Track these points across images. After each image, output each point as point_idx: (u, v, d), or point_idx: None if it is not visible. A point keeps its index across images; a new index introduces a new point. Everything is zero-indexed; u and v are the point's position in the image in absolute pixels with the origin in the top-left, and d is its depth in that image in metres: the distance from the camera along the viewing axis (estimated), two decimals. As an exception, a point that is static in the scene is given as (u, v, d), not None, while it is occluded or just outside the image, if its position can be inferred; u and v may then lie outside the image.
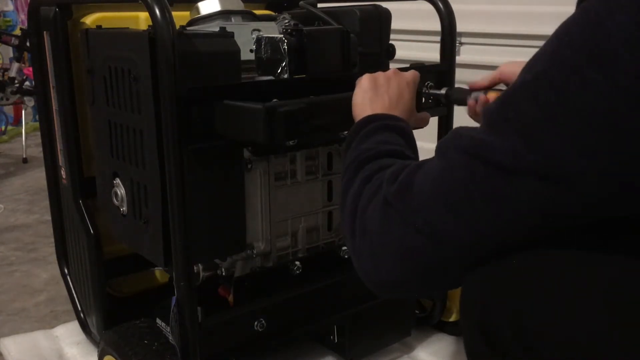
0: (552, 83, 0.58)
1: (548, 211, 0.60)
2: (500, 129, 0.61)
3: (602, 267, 0.60)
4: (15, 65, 3.47)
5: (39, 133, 1.57)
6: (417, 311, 1.55)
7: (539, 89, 0.59)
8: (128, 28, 1.30)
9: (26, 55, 3.41)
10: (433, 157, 0.71)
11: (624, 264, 0.59)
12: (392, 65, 1.31)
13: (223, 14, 1.27)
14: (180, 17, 1.19)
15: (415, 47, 2.35)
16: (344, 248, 1.39)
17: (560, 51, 0.58)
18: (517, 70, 1.09)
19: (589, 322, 0.58)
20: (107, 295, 1.39)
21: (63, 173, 1.41)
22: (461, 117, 1.21)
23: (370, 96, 1.00)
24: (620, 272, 0.59)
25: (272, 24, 1.28)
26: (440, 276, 0.71)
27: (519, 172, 0.59)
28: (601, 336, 0.58)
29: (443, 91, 1.19)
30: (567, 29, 0.59)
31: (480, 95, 1.11)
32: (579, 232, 0.61)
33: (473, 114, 1.14)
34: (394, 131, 0.91)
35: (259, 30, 1.22)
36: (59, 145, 1.40)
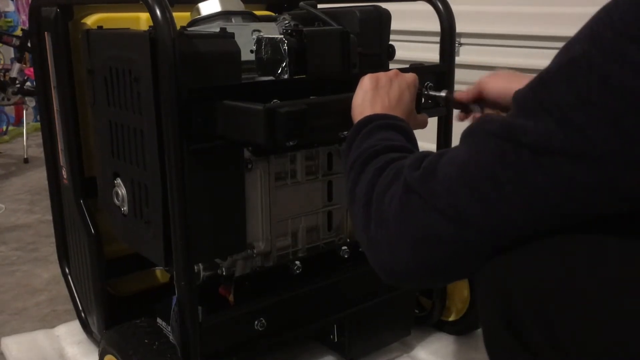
0: (591, 65, 0.57)
1: (577, 196, 0.59)
2: (533, 112, 0.61)
3: (636, 255, 0.59)
4: (17, 65, 3.48)
5: (40, 133, 1.58)
6: (416, 310, 1.55)
7: (577, 71, 0.58)
8: (129, 29, 1.30)
9: (27, 55, 3.41)
10: (458, 145, 0.70)
11: None
12: (392, 66, 1.32)
13: (223, 15, 1.27)
14: (180, 17, 1.20)
15: (415, 48, 2.35)
16: (344, 248, 1.39)
17: (600, 34, 0.57)
18: (498, 83, 1.08)
19: (617, 311, 0.57)
20: (108, 295, 1.39)
21: (64, 173, 1.42)
22: (461, 118, 1.21)
23: (370, 96, 1.00)
24: None
25: (273, 24, 1.29)
26: (459, 264, 0.70)
27: (551, 153, 0.58)
28: (629, 324, 0.57)
29: (443, 93, 1.19)
30: (607, 12, 0.58)
31: (475, 114, 1.11)
32: (609, 219, 0.60)
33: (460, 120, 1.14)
34: (395, 130, 0.91)
35: (259, 31, 1.22)
36: (60, 145, 1.40)
